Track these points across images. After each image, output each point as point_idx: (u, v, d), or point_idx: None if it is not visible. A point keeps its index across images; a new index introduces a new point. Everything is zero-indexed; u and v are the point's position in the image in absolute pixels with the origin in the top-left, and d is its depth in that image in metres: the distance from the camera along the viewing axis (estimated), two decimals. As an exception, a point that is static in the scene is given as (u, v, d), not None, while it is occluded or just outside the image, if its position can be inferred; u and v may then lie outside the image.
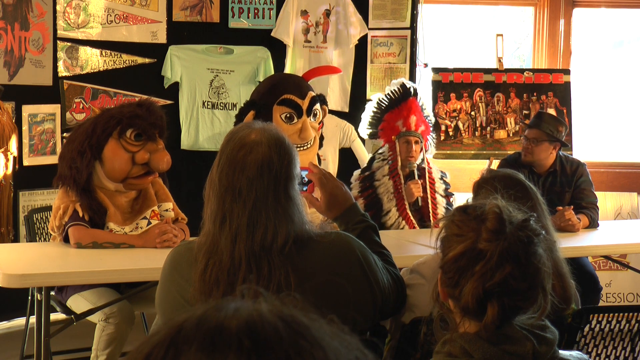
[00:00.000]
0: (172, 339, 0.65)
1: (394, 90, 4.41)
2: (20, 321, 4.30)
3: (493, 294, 1.51)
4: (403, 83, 4.42)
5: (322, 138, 3.95)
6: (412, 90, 4.41)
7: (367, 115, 4.50)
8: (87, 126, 3.35)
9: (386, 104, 4.41)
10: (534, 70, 5.51)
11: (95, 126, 3.32)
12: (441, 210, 4.31)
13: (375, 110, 4.45)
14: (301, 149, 3.67)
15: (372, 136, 4.51)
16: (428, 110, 4.63)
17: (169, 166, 3.42)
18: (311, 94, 3.84)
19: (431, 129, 4.54)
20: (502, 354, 1.52)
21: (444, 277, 1.58)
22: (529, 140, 4.33)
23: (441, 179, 4.44)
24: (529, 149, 4.32)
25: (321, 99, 3.91)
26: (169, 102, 4.97)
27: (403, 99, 4.37)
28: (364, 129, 4.51)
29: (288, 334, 0.64)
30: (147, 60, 5.00)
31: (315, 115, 3.85)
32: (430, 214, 4.28)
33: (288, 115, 3.77)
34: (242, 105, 3.92)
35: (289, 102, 3.77)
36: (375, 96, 4.50)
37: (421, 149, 4.33)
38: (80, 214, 3.27)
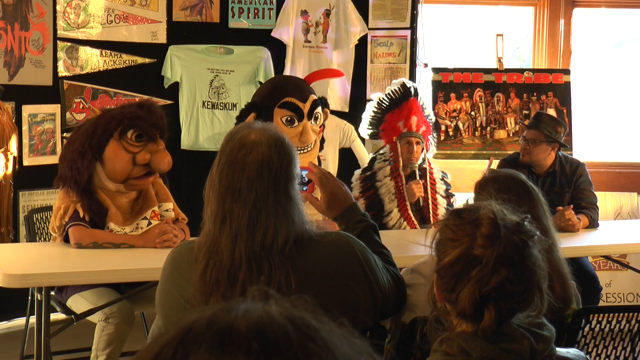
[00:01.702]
0: (181, 339, 0.65)
1: (395, 90, 4.40)
2: (20, 321, 4.30)
3: (490, 298, 1.51)
4: (404, 83, 4.41)
5: (322, 141, 3.94)
6: (412, 90, 4.40)
7: (367, 115, 4.49)
8: (87, 127, 3.35)
9: (387, 104, 4.40)
10: (534, 70, 5.50)
11: (96, 127, 3.32)
12: (442, 211, 4.30)
13: (375, 110, 4.44)
14: (301, 152, 3.65)
15: (373, 136, 4.50)
16: (429, 110, 4.62)
17: (170, 167, 3.42)
18: (313, 97, 3.83)
19: (432, 128, 4.53)
20: (500, 352, 1.52)
21: (440, 282, 1.58)
22: (527, 141, 4.33)
23: (442, 179, 4.43)
24: (527, 149, 4.32)
25: (323, 102, 3.89)
26: (169, 102, 4.97)
27: (404, 99, 4.36)
28: (365, 129, 4.50)
29: (297, 336, 0.64)
30: (147, 60, 4.99)
31: (316, 118, 3.83)
32: (431, 215, 4.27)
33: (289, 118, 3.76)
34: (243, 106, 3.91)
35: (290, 105, 3.76)
36: (376, 96, 4.49)
37: (422, 149, 4.33)
38: (81, 215, 3.27)
